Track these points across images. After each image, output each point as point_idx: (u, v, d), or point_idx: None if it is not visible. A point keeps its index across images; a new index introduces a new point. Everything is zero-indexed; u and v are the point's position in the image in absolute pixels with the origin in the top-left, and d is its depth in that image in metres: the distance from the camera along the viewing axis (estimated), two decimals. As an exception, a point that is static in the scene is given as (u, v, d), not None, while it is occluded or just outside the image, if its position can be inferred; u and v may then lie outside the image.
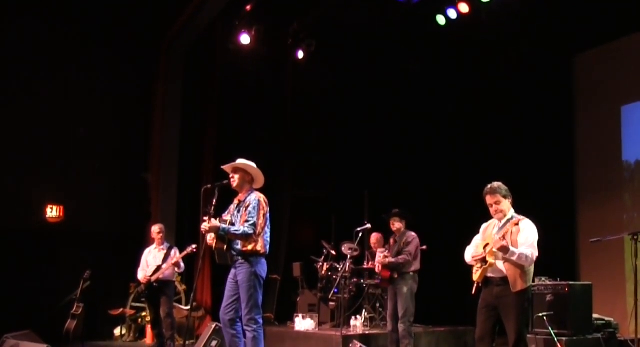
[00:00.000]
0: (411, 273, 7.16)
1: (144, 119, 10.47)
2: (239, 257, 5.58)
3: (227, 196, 5.90)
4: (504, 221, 5.01)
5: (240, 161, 5.79)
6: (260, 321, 5.60)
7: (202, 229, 5.51)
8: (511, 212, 5.05)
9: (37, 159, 9.47)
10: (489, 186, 5.08)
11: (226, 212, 5.81)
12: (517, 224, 4.85)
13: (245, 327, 5.56)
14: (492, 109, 10.49)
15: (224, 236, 5.51)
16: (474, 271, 5.06)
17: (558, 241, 8.24)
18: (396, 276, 7.08)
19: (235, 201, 5.82)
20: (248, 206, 5.60)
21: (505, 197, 5.00)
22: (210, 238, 5.56)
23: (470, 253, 5.13)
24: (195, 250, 8.01)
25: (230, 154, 6.15)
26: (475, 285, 5.04)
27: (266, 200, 5.72)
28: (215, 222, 5.50)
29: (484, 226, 5.25)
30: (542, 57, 9.99)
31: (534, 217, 5.04)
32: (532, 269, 4.94)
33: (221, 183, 5.73)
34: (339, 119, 11.58)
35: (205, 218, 5.50)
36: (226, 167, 5.81)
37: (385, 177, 11.42)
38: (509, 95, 10.26)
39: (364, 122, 11.60)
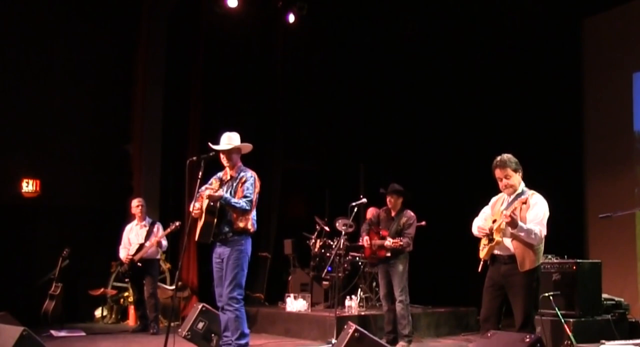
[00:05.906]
0: (406, 253, 7.04)
1: (126, 88, 10.16)
2: (228, 235, 5.62)
3: (212, 168, 5.90)
4: (513, 196, 4.88)
5: (228, 138, 5.73)
6: (242, 300, 5.67)
7: (206, 196, 5.55)
8: (521, 187, 4.91)
9: (11, 130, 9.14)
10: (499, 158, 4.90)
11: (208, 184, 5.82)
12: (525, 202, 4.73)
13: (226, 307, 5.64)
14: (496, 76, 10.24)
15: (214, 210, 5.53)
16: (481, 247, 4.94)
17: (565, 217, 8.09)
18: (389, 255, 6.95)
19: (224, 176, 5.87)
20: (245, 181, 5.69)
21: (515, 170, 4.88)
22: (196, 209, 5.58)
23: (477, 225, 4.99)
24: (179, 226, 8.00)
25: (217, 125, 6.17)
26: (482, 262, 4.94)
27: (258, 178, 5.85)
28: (220, 191, 5.55)
29: (493, 199, 5.11)
30: (548, 21, 9.70)
31: (540, 191, 4.89)
32: (541, 247, 4.83)
33: (207, 155, 5.71)
34: (333, 87, 11.31)
35: (210, 186, 5.68)
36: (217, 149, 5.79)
37: (381, 149, 11.19)
38: (514, 62, 10.02)
39: (358, 90, 11.31)
